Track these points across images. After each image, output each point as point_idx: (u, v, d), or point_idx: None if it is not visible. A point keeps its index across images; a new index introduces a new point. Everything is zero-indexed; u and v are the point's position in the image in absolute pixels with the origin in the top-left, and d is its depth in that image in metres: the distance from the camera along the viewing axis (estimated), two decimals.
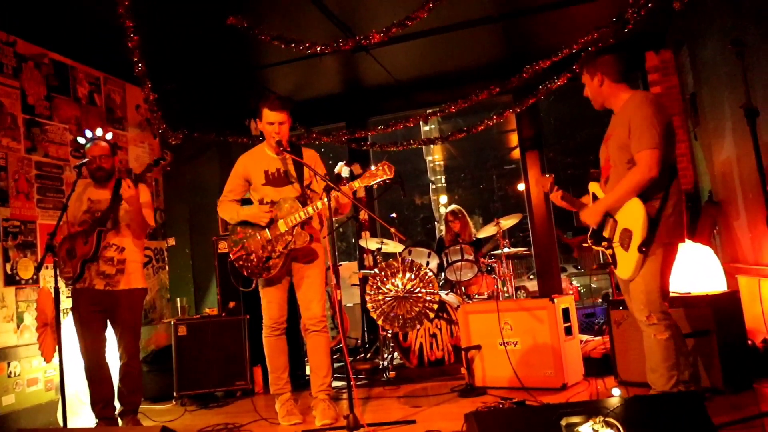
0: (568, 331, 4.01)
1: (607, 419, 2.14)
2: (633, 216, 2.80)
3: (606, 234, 2.97)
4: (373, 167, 3.46)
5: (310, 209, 3.49)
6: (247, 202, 3.81)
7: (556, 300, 3.95)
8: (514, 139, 20.43)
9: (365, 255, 5.88)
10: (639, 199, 2.79)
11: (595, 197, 3.10)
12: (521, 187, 6.54)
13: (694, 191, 5.51)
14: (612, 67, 2.96)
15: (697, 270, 3.92)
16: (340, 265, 7.02)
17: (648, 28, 5.13)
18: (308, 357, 3.75)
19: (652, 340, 2.85)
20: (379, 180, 3.41)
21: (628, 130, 2.84)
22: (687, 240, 4.14)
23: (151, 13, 4.21)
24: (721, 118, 4.45)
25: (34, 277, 4.40)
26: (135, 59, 4.32)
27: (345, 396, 4.27)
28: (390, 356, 5.03)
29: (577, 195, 3.27)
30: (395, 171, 3.42)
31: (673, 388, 2.79)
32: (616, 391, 3.32)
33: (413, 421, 3.36)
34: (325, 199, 3.35)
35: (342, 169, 5.25)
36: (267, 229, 3.57)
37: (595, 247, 3.08)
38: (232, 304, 4.93)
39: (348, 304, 6.90)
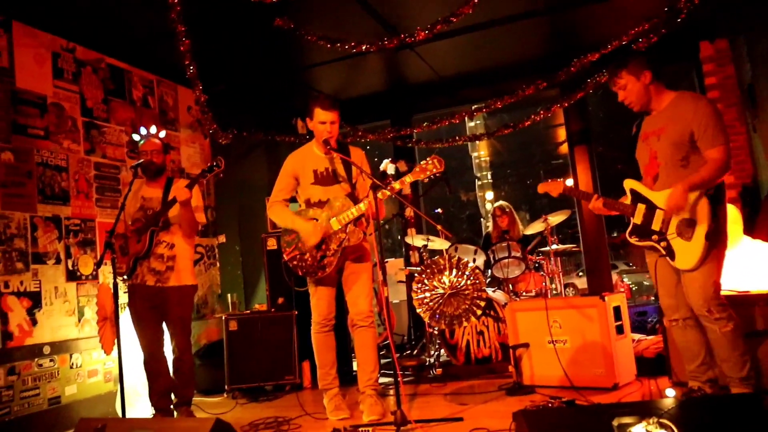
0: (620, 329, 3.92)
1: (661, 420, 2.09)
2: (694, 206, 2.79)
3: (656, 227, 2.91)
4: (423, 162, 3.47)
5: (362, 206, 3.50)
6: (293, 200, 3.87)
7: (606, 298, 3.87)
8: (561, 133, 20.05)
9: (411, 252, 5.90)
10: (697, 190, 2.79)
11: (634, 192, 3.03)
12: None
13: (753, 185, 5.28)
14: (651, 66, 2.97)
15: (756, 268, 3.77)
16: (386, 262, 7.05)
17: (701, 16, 4.95)
18: (355, 352, 3.78)
19: (717, 335, 2.82)
20: (429, 174, 3.43)
21: (687, 129, 2.84)
22: (745, 236, 3.99)
23: (201, 17, 4.33)
24: None
25: (94, 273, 4.60)
26: (186, 62, 4.45)
27: (392, 392, 4.30)
28: (436, 353, 5.03)
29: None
30: (444, 164, 3.43)
31: (750, 372, 2.78)
32: (671, 392, 3.23)
33: (460, 419, 3.35)
34: (371, 198, 3.38)
35: (387, 166, 5.27)
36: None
37: (641, 243, 3.00)
38: (280, 300, 5.02)
39: (394, 301, 6.93)
